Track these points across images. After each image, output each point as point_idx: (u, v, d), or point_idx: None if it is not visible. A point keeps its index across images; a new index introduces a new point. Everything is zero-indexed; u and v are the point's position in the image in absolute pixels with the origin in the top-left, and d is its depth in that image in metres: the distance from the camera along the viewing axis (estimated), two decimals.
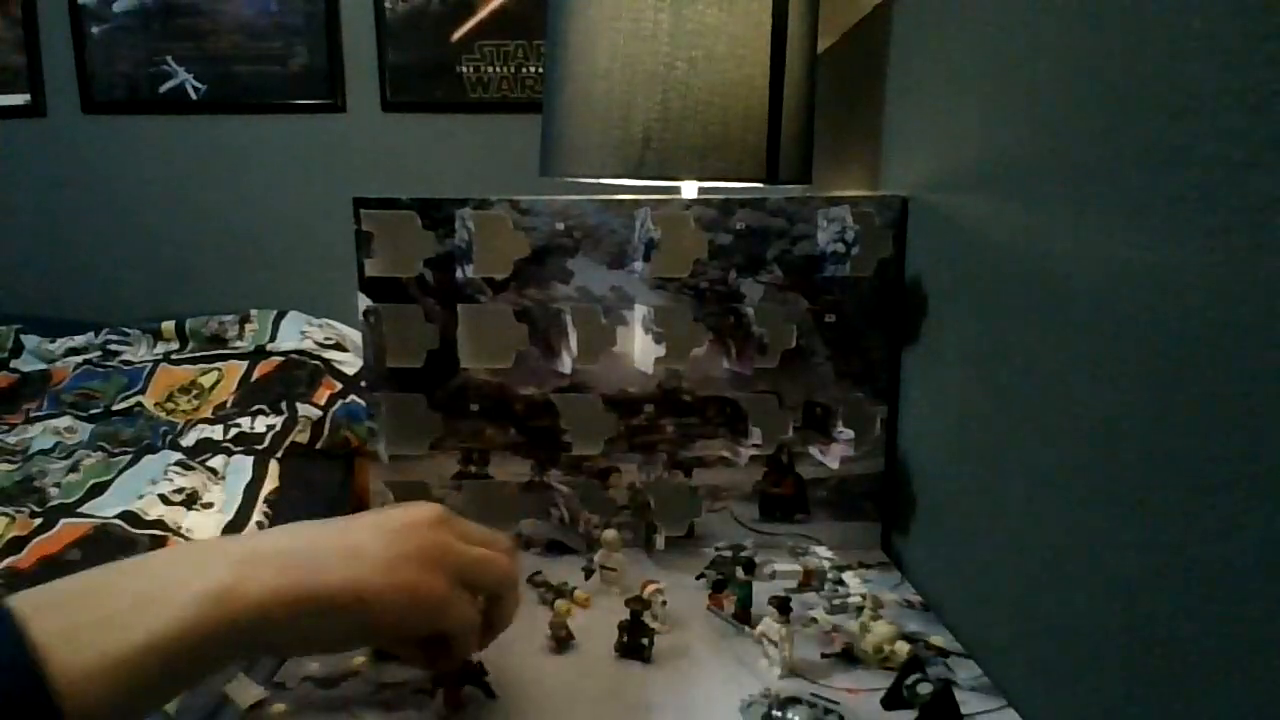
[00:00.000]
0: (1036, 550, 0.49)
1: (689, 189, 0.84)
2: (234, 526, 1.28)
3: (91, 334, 1.98)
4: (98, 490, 1.32)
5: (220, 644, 0.39)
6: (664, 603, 0.59)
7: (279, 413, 1.58)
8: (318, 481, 1.53)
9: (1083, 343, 0.44)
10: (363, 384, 1.28)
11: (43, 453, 1.52)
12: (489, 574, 0.48)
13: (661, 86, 0.73)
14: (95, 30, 2.13)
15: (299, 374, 1.74)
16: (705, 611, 0.62)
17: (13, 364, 1.92)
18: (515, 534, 0.73)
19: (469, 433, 0.72)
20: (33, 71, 2.15)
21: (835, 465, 0.72)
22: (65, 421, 1.65)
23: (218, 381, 1.77)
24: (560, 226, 0.69)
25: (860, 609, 0.58)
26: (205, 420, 1.59)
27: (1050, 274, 0.48)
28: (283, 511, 1.36)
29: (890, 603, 0.63)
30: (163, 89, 2.15)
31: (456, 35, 2.11)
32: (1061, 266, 0.47)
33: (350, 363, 1.82)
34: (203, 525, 1.25)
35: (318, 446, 1.58)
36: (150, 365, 1.85)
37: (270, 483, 1.40)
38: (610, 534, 0.64)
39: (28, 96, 2.17)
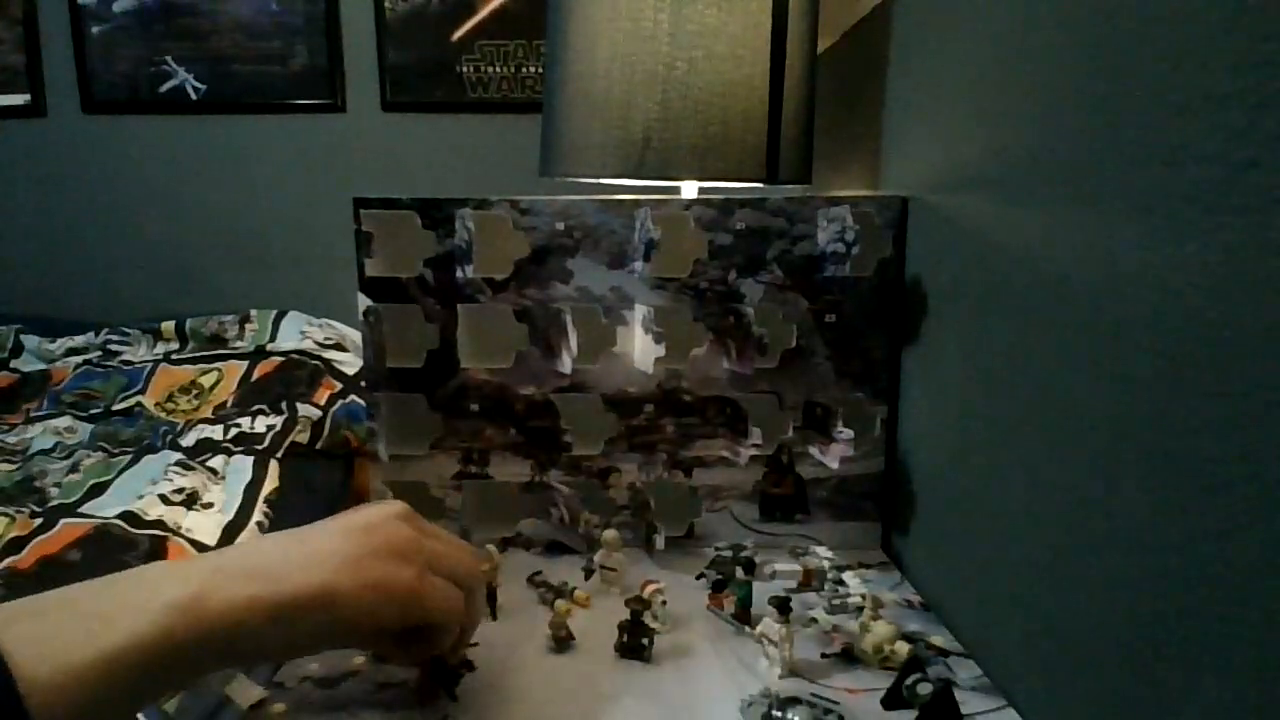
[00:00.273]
0: (1037, 550, 0.49)
1: (689, 189, 0.84)
2: (234, 526, 1.28)
3: (91, 334, 1.98)
4: (98, 490, 1.32)
5: (191, 654, 0.39)
6: (664, 603, 0.59)
7: (279, 413, 1.58)
8: (318, 481, 1.53)
9: (1083, 342, 0.44)
10: (363, 384, 1.28)
11: (43, 453, 1.52)
12: (456, 566, 0.49)
13: (661, 86, 0.73)
14: (95, 30, 2.13)
15: (299, 374, 1.74)
16: (705, 611, 0.62)
17: (13, 364, 1.92)
18: (515, 534, 0.73)
19: (469, 433, 0.72)
20: (33, 71, 2.15)
21: (835, 465, 0.72)
22: (65, 421, 1.65)
23: (218, 381, 1.77)
24: (560, 226, 0.69)
25: (860, 609, 0.58)
26: (205, 420, 1.59)
27: (1050, 274, 0.48)
28: (283, 511, 1.36)
29: (890, 603, 0.63)
30: (163, 89, 2.15)
31: (456, 35, 2.11)
32: (1061, 266, 0.47)
33: (350, 363, 1.82)
34: (203, 525, 1.25)
35: (318, 446, 1.58)
36: (150, 365, 1.85)
37: (270, 483, 1.40)
38: (610, 534, 0.64)
39: (28, 96, 2.17)
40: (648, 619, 0.57)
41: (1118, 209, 0.41)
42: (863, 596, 0.59)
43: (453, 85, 2.13)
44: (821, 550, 0.70)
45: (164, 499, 1.27)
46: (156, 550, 1.16)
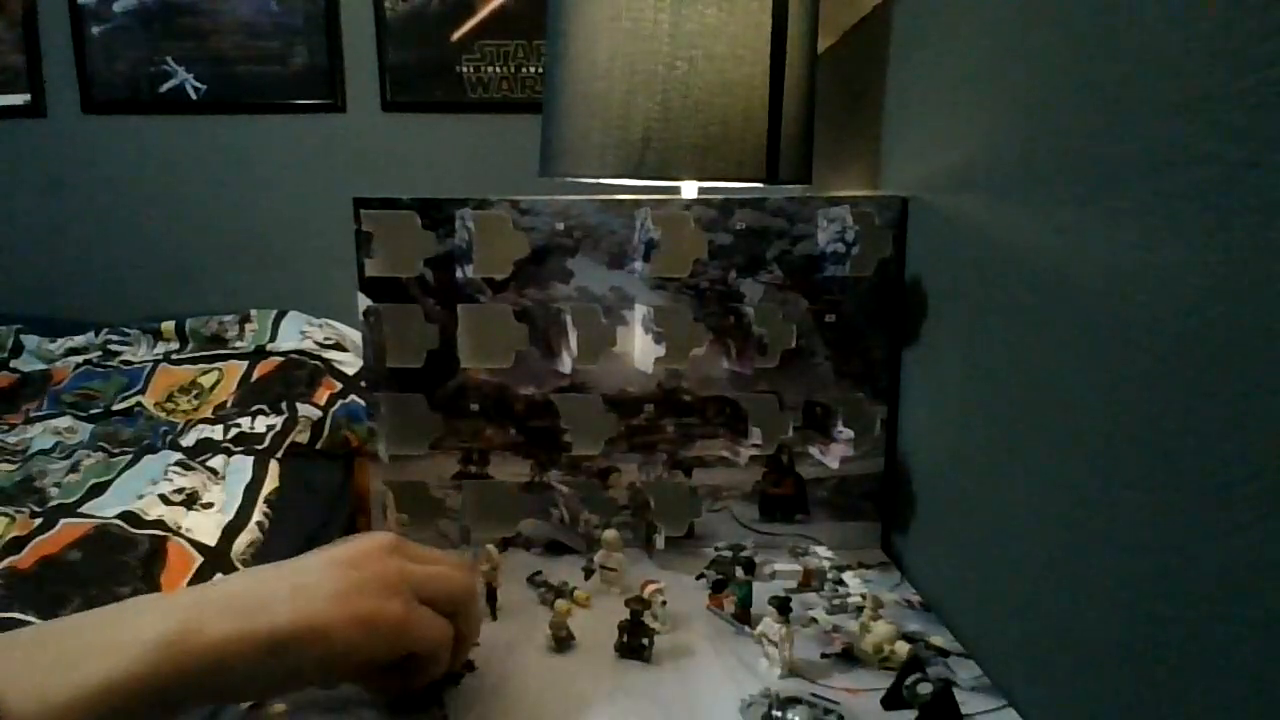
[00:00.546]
0: (1037, 550, 0.49)
1: (689, 189, 0.84)
2: (234, 527, 1.28)
3: (91, 334, 1.98)
4: (98, 490, 1.32)
5: (176, 690, 0.39)
6: (664, 603, 0.59)
7: (279, 413, 1.58)
8: (318, 481, 1.53)
9: (1083, 342, 0.44)
10: (363, 384, 1.28)
11: (43, 453, 1.52)
12: (446, 588, 0.48)
13: (661, 86, 0.73)
14: (95, 30, 2.13)
15: (299, 374, 1.74)
16: (705, 611, 0.62)
17: (13, 364, 1.92)
18: (515, 534, 0.73)
19: (469, 433, 0.72)
20: (33, 71, 2.15)
21: (835, 465, 0.72)
22: (65, 421, 1.65)
23: (218, 381, 1.77)
24: (560, 226, 0.69)
25: (860, 609, 0.58)
26: (205, 420, 1.59)
27: (1050, 274, 0.48)
28: (283, 511, 1.36)
29: (890, 603, 0.63)
30: (163, 89, 2.15)
31: (456, 35, 2.11)
32: (1061, 266, 0.47)
33: (350, 363, 1.82)
34: (203, 525, 1.25)
35: (318, 446, 1.58)
36: (150, 365, 1.85)
37: (270, 483, 1.40)
38: (610, 534, 0.64)
39: (28, 96, 2.17)
40: (648, 619, 0.57)
41: (1118, 209, 0.41)
42: (863, 596, 0.59)
43: (453, 85, 2.13)
44: (821, 550, 0.70)
45: (164, 499, 1.27)
46: (156, 550, 1.16)
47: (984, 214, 0.57)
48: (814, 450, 0.73)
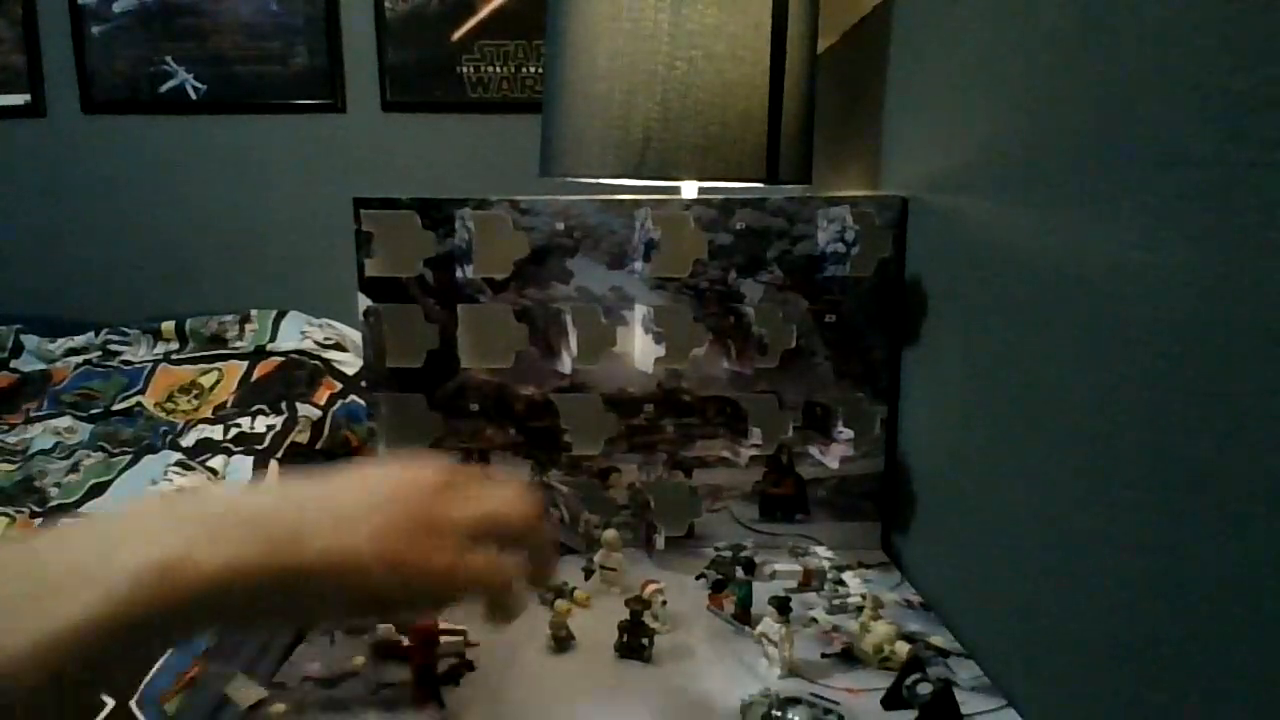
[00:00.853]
0: (1036, 550, 0.49)
1: (689, 189, 0.84)
2: None
3: (91, 334, 1.98)
4: (98, 490, 1.32)
5: (166, 622, 0.34)
6: (664, 603, 0.59)
7: (279, 413, 1.58)
8: None
9: (1083, 342, 0.44)
10: (363, 384, 1.28)
11: (43, 453, 1.52)
12: (504, 525, 0.42)
13: (661, 86, 0.73)
14: (95, 30, 2.13)
15: (299, 374, 1.74)
16: (705, 611, 0.62)
17: (13, 364, 1.92)
18: None
19: (469, 433, 0.72)
20: (33, 71, 2.15)
21: (835, 465, 0.72)
22: (65, 421, 1.65)
23: (218, 381, 1.77)
24: (560, 226, 0.69)
25: (860, 609, 0.58)
26: (205, 420, 1.59)
27: (1050, 274, 0.48)
28: None
29: (890, 603, 0.63)
30: (163, 89, 2.15)
31: (456, 35, 2.11)
32: (1061, 266, 0.46)
33: (350, 363, 1.82)
34: None
35: (318, 446, 1.57)
36: (150, 365, 1.85)
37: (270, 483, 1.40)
38: (610, 534, 0.64)
39: (28, 96, 2.17)
40: (648, 619, 0.57)
41: (1117, 209, 0.41)
42: (863, 596, 0.59)
43: (453, 85, 2.12)
44: (821, 550, 0.70)
45: None
46: None
47: (984, 214, 0.57)
48: (814, 450, 0.72)
